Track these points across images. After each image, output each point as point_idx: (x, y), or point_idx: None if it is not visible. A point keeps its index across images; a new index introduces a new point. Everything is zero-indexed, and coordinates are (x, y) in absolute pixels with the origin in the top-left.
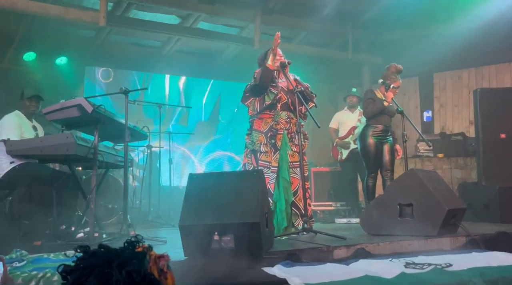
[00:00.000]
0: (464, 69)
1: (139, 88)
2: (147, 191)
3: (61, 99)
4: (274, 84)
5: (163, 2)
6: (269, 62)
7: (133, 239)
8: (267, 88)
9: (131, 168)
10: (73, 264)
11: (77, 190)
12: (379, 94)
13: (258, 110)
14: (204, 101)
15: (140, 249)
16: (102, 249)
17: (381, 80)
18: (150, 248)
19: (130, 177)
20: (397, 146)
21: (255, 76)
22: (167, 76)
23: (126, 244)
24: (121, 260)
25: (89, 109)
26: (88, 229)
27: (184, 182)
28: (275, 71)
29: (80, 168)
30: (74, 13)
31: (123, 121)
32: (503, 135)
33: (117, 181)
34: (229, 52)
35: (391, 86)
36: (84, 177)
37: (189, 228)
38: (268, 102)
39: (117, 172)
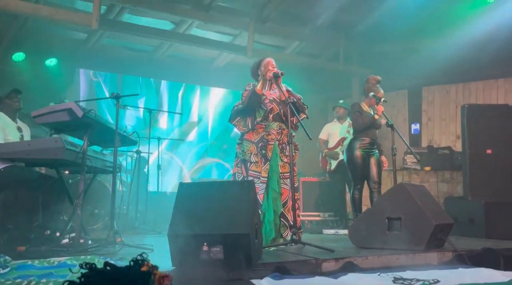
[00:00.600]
0: (452, 84)
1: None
2: (134, 196)
3: (50, 102)
4: (263, 105)
5: (157, 8)
6: (258, 87)
7: (138, 257)
8: (253, 111)
9: (119, 173)
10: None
11: (64, 195)
12: (365, 107)
13: (250, 127)
14: (179, 104)
15: (145, 268)
16: (108, 268)
17: (371, 93)
18: (155, 267)
19: (118, 182)
20: (383, 158)
21: (243, 98)
22: (140, 79)
23: (132, 263)
24: (127, 280)
25: (80, 113)
26: (73, 234)
27: (171, 188)
28: (268, 82)
29: (67, 172)
30: (66, 15)
31: (113, 126)
32: (489, 151)
33: (104, 186)
34: (222, 59)
35: (382, 99)
36: (70, 180)
37: (178, 237)
38: (259, 118)
39: (104, 176)
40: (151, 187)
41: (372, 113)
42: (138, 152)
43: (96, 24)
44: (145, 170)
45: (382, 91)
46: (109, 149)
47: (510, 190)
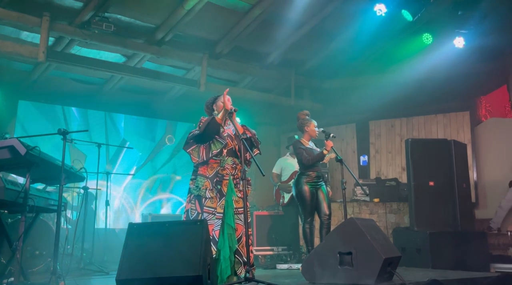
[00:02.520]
0: (396, 119)
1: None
2: (80, 234)
3: None
4: (219, 135)
5: (109, 41)
6: (219, 116)
7: None
8: (211, 139)
9: (64, 212)
10: None
11: (2, 237)
12: (305, 143)
13: (205, 159)
14: (130, 137)
15: None
16: None
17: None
18: None
19: (62, 219)
20: (327, 188)
21: (200, 124)
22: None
23: None
24: None
25: (22, 151)
26: (12, 279)
27: (121, 225)
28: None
29: (5, 211)
30: (11, 47)
31: (59, 162)
32: (431, 183)
33: (46, 225)
34: (174, 93)
35: (331, 135)
36: (10, 220)
37: (127, 282)
38: (215, 151)
39: (48, 214)
40: (99, 224)
41: (310, 146)
42: (85, 188)
43: (43, 56)
44: (93, 206)
45: (314, 122)
46: (54, 185)
47: (452, 220)
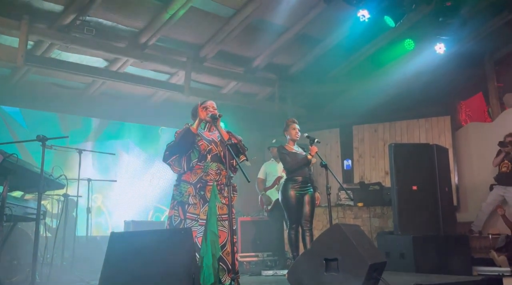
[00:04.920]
0: (379, 123)
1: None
2: (60, 243)
3: None
4: (196, 146)
5: (90, 45)
6: (194, 125)
7: None
8: (186, 150)
9: (43, 220)
10: None
11: None
12: (289, 148)
13: (185, 169)
14: (112, 143)
15: None
16: None
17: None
18: None
19: (42, 227)
20: (317, 194)
21: (175, 135)
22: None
23: None
24: None
25: None
26: None
27: (102, 232)
28: (207, 123)
29: None
30: None
31: (38, 170)
32: (414, 187)
33: (25, 234)
34: (158, 97)
35: (315, 140)
36: None
37: None
38: (194, 160)
39: (26, 223)
40: (80, 231)
41: (294, 150)
42: (65, 195)
43: (21, 60)
44: (74, 213)
45: (294, 124)
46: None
47: (435, 224)
